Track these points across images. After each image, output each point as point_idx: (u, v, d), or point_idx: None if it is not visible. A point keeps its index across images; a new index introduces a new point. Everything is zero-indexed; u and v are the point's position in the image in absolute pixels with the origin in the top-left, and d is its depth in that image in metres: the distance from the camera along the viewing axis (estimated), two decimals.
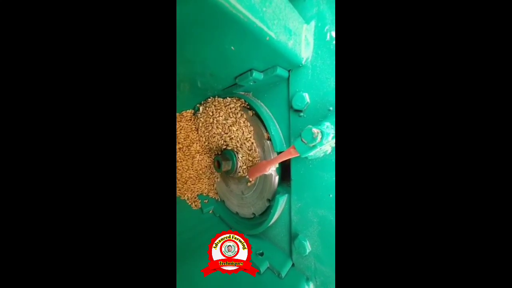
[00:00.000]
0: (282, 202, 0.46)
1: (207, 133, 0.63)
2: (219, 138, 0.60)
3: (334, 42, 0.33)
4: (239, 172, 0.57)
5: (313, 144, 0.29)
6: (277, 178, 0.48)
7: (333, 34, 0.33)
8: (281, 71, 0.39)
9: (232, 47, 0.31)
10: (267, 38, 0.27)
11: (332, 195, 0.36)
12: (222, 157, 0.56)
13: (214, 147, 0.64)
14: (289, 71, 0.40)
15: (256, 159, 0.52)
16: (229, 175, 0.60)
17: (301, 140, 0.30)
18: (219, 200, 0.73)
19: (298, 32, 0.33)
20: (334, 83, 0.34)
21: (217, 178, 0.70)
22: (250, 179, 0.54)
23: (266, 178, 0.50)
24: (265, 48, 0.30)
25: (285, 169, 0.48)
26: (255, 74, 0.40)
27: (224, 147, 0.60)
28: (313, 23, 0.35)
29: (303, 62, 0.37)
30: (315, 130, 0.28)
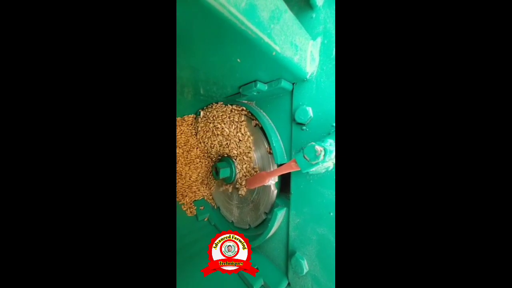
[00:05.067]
0: (280, 215, 0.45)
1: (206, 139, 0.63)
2: (218, 146, 0.59)
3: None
4: (237, 181, 0.55)
5: (315, 161, 0.28)
6: (275, 191, 0.47)
7: None
8: (285, 84, 0.39)
9: (238, 59, 0.31)
10: (274, 53, 0.27)
11: (332, 214, 0.35)
12: (221, 164, 0.55)
13: (214, 153, 0.63)
14: (293, 84, 0.40)
15: (255, 169, 0.51)
16: (227, 183, 0.59)
17: (304, 156, 0.30)
18: (215, 207, 0.71)
19: (304, 48, 0.33)
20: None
21: (215, 185, 0.69)
22: (248, 189, 0.53)
23: (265, 189, 0.49)
24: (271, 61, 0.30)
25: (284, 180, 0.47)
26: (259, 85, 0.40)
27: (224, 154, 0.59)
28: (319, 40, 0.35)
29: (307, 77, 0.37)
30: (318, 147, 0.27)
